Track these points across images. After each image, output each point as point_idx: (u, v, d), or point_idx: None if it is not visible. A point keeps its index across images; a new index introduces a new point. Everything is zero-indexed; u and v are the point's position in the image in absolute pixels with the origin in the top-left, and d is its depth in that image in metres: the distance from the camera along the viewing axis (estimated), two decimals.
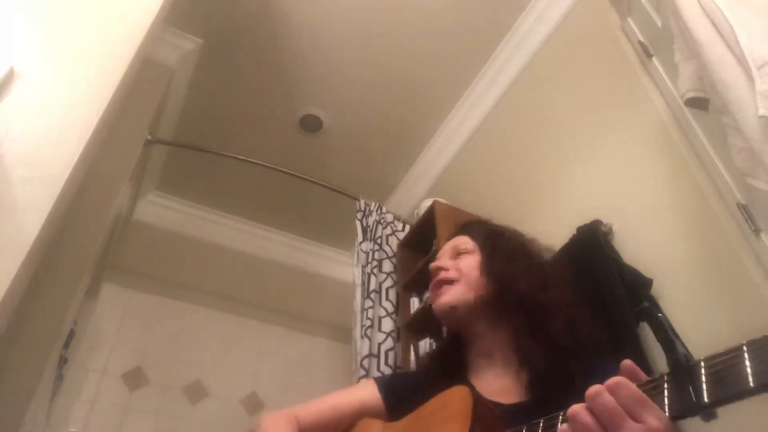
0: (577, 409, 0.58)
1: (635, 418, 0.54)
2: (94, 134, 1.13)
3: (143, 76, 1.70)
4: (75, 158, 1.08)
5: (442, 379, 1.02)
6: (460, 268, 1.12)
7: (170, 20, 2.21)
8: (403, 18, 2.38)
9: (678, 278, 1.39)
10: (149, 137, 2.29)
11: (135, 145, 2.15)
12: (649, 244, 1.51)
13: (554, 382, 0.92)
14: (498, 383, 1.02)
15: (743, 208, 1.29)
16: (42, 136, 1.08)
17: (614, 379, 0.56)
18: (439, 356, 1.17)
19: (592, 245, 1.53)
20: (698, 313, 1.31)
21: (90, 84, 1.19)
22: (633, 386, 0.56)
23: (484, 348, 1.08)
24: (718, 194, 1.37)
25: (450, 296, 1.09)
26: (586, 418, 0.56)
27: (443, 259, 1.17)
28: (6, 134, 1.04)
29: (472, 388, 0.93)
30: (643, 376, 0.58)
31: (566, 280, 1.12)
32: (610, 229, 1.59)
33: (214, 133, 2.82)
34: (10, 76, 1.10)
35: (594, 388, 0.57)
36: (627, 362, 0.59)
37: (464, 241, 1.19)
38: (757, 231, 1.25)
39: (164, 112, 2.67)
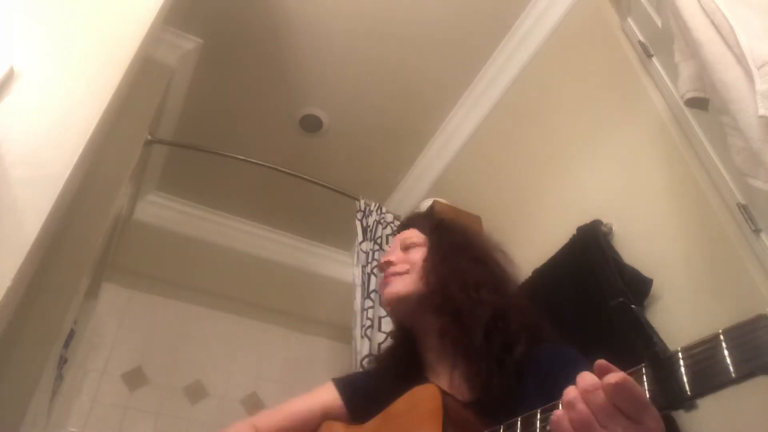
0: (558, 415, 0.57)
1: (632, 419, 0.53)
2: (94, 134, 1.13)
3: (143, 76, 1.70)
4: (75, 158, 1.08)
5: (401, 376, 1.02)
6: (410, 260, 1.11)
7: (170, 20, 2.20)
8: (403, 18, 2.38)
9: (678, 278, 1.39)
10: (149, 137, 2.29)
11: (135, 145, 2.15)
12: (649, 244, 1.51)
13: (489, 385, 0.91)
14: (451, 379, 1.00)
15: (743, 208, 1.29)
16: (42, 136, 1.08)
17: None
18: (393, 352, 1.16)
19: (592, 245, 1.53)
20: (698, 313, 1.31)
21: (90, 84, 1.19)
22: (634, 386, 0.54)
23: (433, 343, 1.06)
24: (718, 194, 1.37)
25: (397, 286, 1.08)
26: (566, 425, 0.56)
27: (391, 252, 1.16)
28: (6, 134, 1.04)
29: (437, 385, 0.93)
30: (617, 370, 0.56)
31: (507, 277, 1.10)
32: (610, 229, 1.59)
33: (214, 133, 2.82)
34: (10, 76, 1.10)
35: (568, 395, 0.56)
36: (601, 362, 0.57)
37: (413, 234, 1.18)
38: (757, 231, 1.25)
39: (164, 112, 2.67)
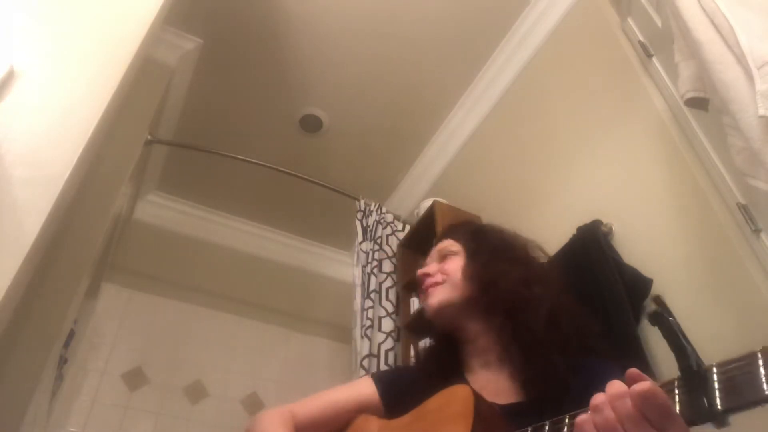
0: (583, 418, 0.58)
1: (658, 428, 0.53)
2: (94, 134, 1.13)
3: (143, 76, 1.70)
4: (75, 158, 1.08)
5: (439, 377, 1.03)
6: (446, 270, 1.13)
7: (170, 20, 2.20)
8: (403, 18, 2.38)
9: (678, 278, 1.39)
10: (149, 137, 2.29)
11: (135, 145, 2.15)
12: (649, 244, 1.51)
13: (548, 382, 0.92)
14: (493, 383, 1.02)
15: (743, 208, 1.29)
16: (42, 136, 1.08)
17: (643, 387, 0.54)
18: (435, 355, 1.18)
19: (592, 245, 1.53)
20: (698, 313, 1.31)
21: (90, 84, 1.19)
22: (660, 395, 0.54)
23: (476, 349, 1.09)
24: (718, 194, 1.37)
25: (436, 298, 1.10)
26: (590, 428, 0.56)
27: (429, 264, 1.19)
28: (6, 134, 1.04)
29: (471, 387, 0.93)
30: (649, 380, 0.57)
31: (550, 275, 1.13)
32: (610, 229, 1.59)
33: (214, 133, 2.82)
34: (10, 76, 1.10)
35: (596, 399, 0.57)
36: (633, 371, 0.57)
37: (449, 244, 1.20)
38: (757, 231, 1.25)
39: (164, 112, 2.67)
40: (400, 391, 1.09)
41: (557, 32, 2.25)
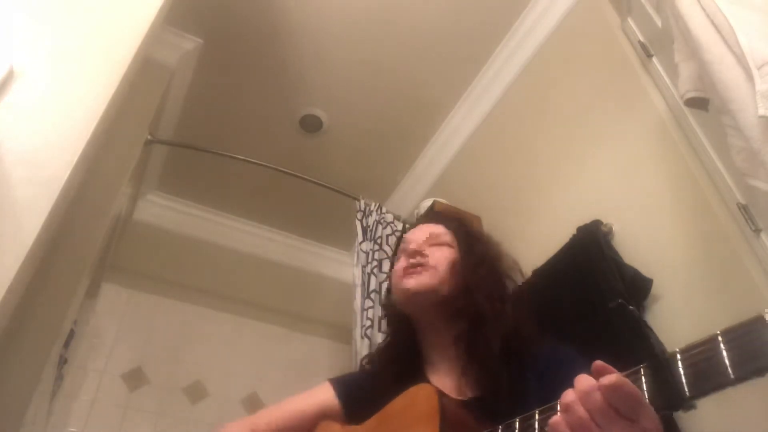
0: (555, 420, 0.58)
1: (628, 418, 0.53)
2: (94, 134, 1.13)
3: (143, 76, 1.70)
4: (75, 158, 1.08)
5: (398, 376, 1.03)
6: (437, 258, 1.11)
7: (170, 20, 2.20)
8: (403, 18, 2.38)
9: (678, 278, 1.39)
10: (149, 137, 2.29)
11: (135, 145, 2.15)
12: (649, 244, 1.51)
13: (503, 376, 0.93)
14: (454, 377, 1.02)
15: (743, 208, 1.29)
16: (42, 136, 1.08)
17: (581, 387, 0.55)
18: (392, 351, 1.16)
19: (592, 245, 1.53)
20: (698, 313, 1.30)
21: (90, 84, 1.19)
22: (628, 384, 0.54)
23: (437, 341, 1.08)
24: (718, 194, 1.37)
25: (428, 280, 1.08)
26: (563, 429, 0.56)
27: (420, 242, 1.16)
28: (6, 134, 1.04)
29: (433, 385, 0.93)
30: (614, 371, 0.57)
31: (524, 297, 1.13)
32: (610, 229, 1.59)
33: (214, 133, 2.82)
34: (10, 76, 1.10)
35: (567, 397, 0.57)
36: (598, 363, 0.57)
37: (442, 232, 1.18)
38: (757, 231, 1.25)
39: (164, 112, 2.67)
40: (361, 394, 1.08)
41: (557, 32, 2.24)
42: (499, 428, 0.71)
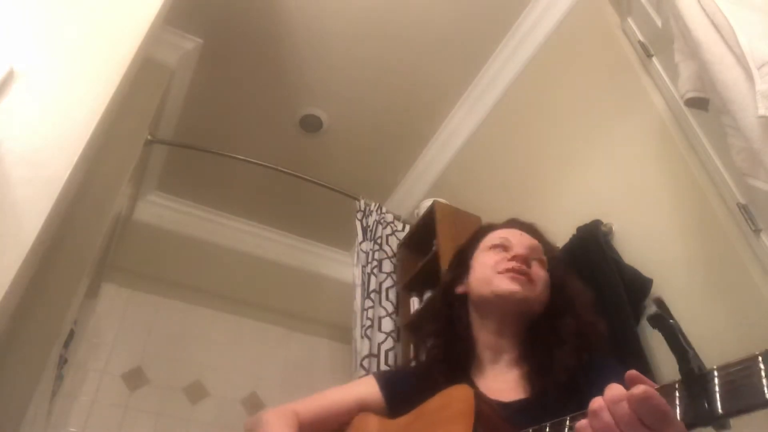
0: (582, 424, 0.58)
1: (653, 429, 0.54)
2: (94, 134, 1.13)
3: (143, 76, 1.70)
4: (75, 158, 1.08)
5: (443, 375, 1.03)
6: (536, 274, 1.10)
7: (170, 20, 2.20)
8: (403, 18, 2.38)
9: (678, 278, 1.39)
10: (149, 137, 2.30)
11: (135, 145, 2.15)
12: (649, 244, 1.51)
13: (557, 381, 0.93)
14: (501, 381, 1.02)
15: (743, 208, 1.29)
16: (42, 136, 1.08)
17: (639, 391, 0.55)
18: (446, 342, 1.14)
19: (592, 245, 1.53)
20: (698, 313, 1.31)
21: (90, 84, 1.19)
22: (656, 397, 0.54)
23: (496, 344, 1.08)
24: (718, 194, 1.37)
25: (528, 293, 1.06)
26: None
27: (528, 250, 1.13)
28: (6, 134, 1.04)
29: (475, 387, 0.93)
30: (649, 382, 0.57)
31: (591, 302, 1.13)
32: (610, 229, 1.59)
33: (214, 133, 2.82)
34: (10, 76, 1.10)
35: (595, 404, 0.57)
36: (632, 373, 0.58)
37: (539, 249, 1.16)
38: (757, 231, 1.25)
39: (164, 112, 2.67)
40: (403, 390, 1.08)
41: (557, 32, 2.25)
42: (530, 430, 0.71)
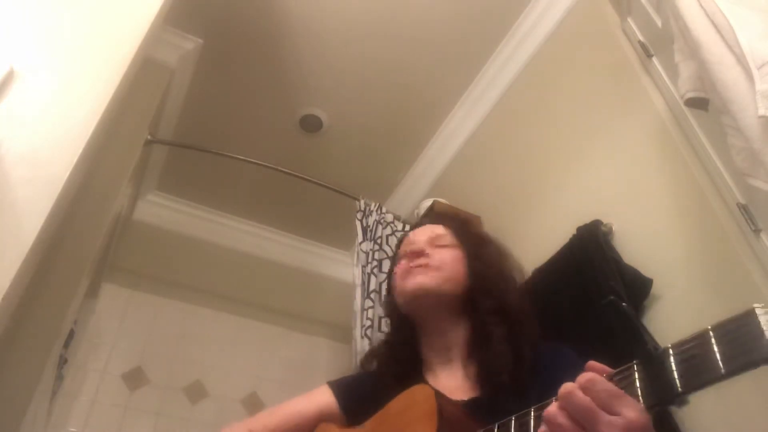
0: (552, 410, 0.58)
1: (611, 412, 0.54)
2: (94, 134, 1.13)
3: (143, 76, 1.70)
4: (75, 158, 1.08)
5: (397, 377, 1.02)
6: (443, 258, 1.10)
7: (170, 20, 2.20)
8: (403, 18, 2.38)
9: (678, 278, 1.39)
10: (149, 137, 2.29)
11: (135, 145, 2.15)
12: (649, 244, 1.51)
13: (507, 375, 0.94)
14: (452, 380, 1.02)
15: (743, 208, 1.28)
16: (42, 136, 1.08)
17: (585, 376, 0.56)
18: (391, 352, 1.15)
19: (592, 245, 1.53)
20: (698, 313, 1.30)
21: (90, 84, 1.19)
22: (605, 381, 0.56)
23: (439, 343, 1.08)
24: (718, 194, 1.37)
25: (429, 280, 1.06)
26: (562, 419, 0.57)
27: (420, 243, 1.14)
28: (6, 134, 1.04)
29: (431, 386, 0.93)
30: (609, 370, 0.58)
31: (522, 288, 1.14)
32: (610, 229, 1.59)
33: (214, 133, 2.82)
34: (10, 76, 1.10)
35: (566, 387, 0.57)
36: (591, 363, 0.59)
37: (445, 233, 1.17)
38: (757, 231, 1.25)
39: (164, 112, 2.67)
40: (359, 396, 1.08)
41: (557, 32, 2.25)
42: (495, 427, 0.71)
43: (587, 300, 1.44)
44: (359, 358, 2.05)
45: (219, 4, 2.34)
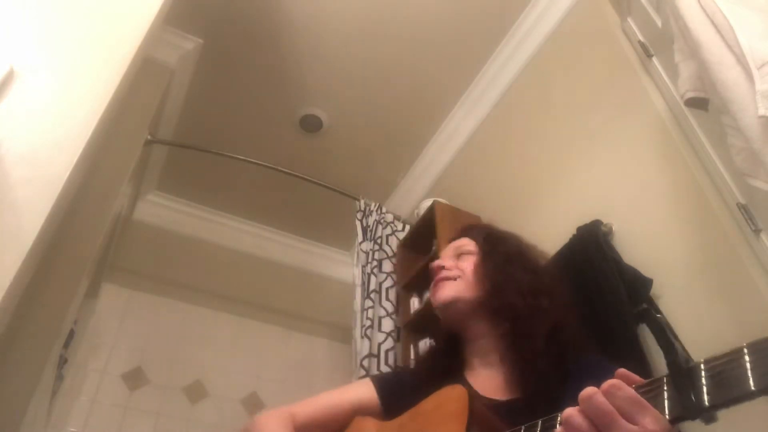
0: (570, 412, 0.58)
1: (631, 420, 0.54)
2: (94, 134, 1.13)
3: (143, 76, 1.70)
4: (75, 158, 1.08)
5: (438, 377, 1.03)
6: (462, 267, 1.14)
7: (170, 20, 2.20)
8: (403, 18, 2.38)
9: (678, 278, 1.39)
10: (149, 137, 2.29)
11: (135, 145, 2.15)
12: (649, 244, 1.51)
13: (546, 379, 0.94)
14: (493, 381, 1.03)
15: (743, 208, 1.29)
16: (42, 136, 1.08)
17: (609, 382, 0.56)
18: (436, 354, 1.19)
19: (592, 245, 1.53)
20: (698, 313, 1.31)
21: (90, 84, 1.19)
22: (628, 388, 0.55)
23: (479, 347, 1.10)
24: (718, 194, 1.37)
25: (449, 291, 1.11)
26: (579, 420, 0.56)
27: (445, 258, 1.19)
28: (6, 134, 1.04)
29: (468, 387, 0.94)
30: (639, 380, 0.58)
31: (559, 288, 1.13)
32: (610, 229, 1.59)
33: (214, 133, 2.82)
34: (10, 76, 1.10)
35: (587, 391, 0.57)
36: (621, 371, 0.59)
37: (466, 243, 1.21)
38: (757, 231, 1.25)
39: (164, 112, 2.67)
40: (399, 392, 1.09)
41: (557, 32, 2.25)
42: (521, 429, 0.71)
43: (587, 300, 1.44)
44: (359, 358, 2.06)
45: (219, 4, 2.34)
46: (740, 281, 1.27)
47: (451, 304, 1.10)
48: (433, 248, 2.16)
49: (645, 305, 1.27)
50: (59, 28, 1.25)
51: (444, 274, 1.14)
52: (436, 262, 1.18)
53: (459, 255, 1.18)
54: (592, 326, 1.34)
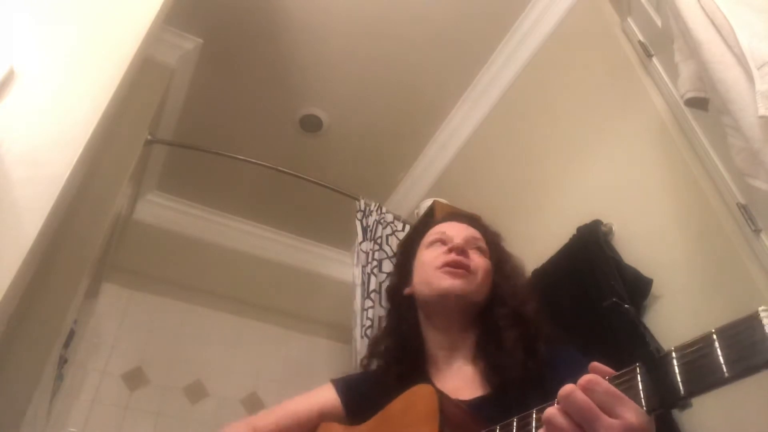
0: (552, 411, 0.58)
1: (611, 414, 0.54)
2: (94, 134, 1.14)
3: (143, 76, 1.70)
4: (75, 158, 1.08)
5: (401, 376, 1.02)
6: (477, 264, 1.10)
7: (170, 20, 2.20)
8: (403, 18, 2.38)
9: (678, 278, 1.39)
10: (149, 137, 2.29)
11: (135, 145, 2.15)
12: (649, 244, 1.51)
13: (516, 373, 0.94)
14: (458, 377, 1.02)
15: (743, 208, 1.29)
16: (42, 136, 1.08)
17: (587, 377, 0.56)
18: (396, 351, 1.14)
19: (592, 245, 1.53)
20: (698, 313, 1.30)
21: (90, 84, 1.19)
22: (606, 382, 0.56)
23: (448, 342, 1.08)
24: (718, 194, 1.37)
25: (468, 285, 1.06)
26: (561, 419, 0.56)
27: (466, 241, 1.13)
28: (6, 134, 1.04)
29: (433, 384, 0.93)
30: (611, 372, 0.58)
31: (536, 298, 1.14)
32: (610, 229, 1.59)
33: (214, 133, 2.82)
34: (10, 76, 1.10)
35: (566, 389, 0.57)
36: (594, 364, 0.59)
37: (479, 238, 1.17)
38: (757, 231, 1.25)
39: (164, 112, 2.67)
40: (362, 394, 1.07)
41: (557, 32, 2.24)
42: (497, 428, 0.71)
43: (587, 300, 1.44)
44: (359, 358, 2.05)
45: (219, 4, 2.34)
46: (740, 281, 1.27)
47: (461, 298, 1.06)
48: None
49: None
50: (59, 28, 1.25)
51: (466, 262, 1.08)
52: (461, 242, 1.11)
53: (474, 248, 1.13)
54: (592, 326, 1.35)
